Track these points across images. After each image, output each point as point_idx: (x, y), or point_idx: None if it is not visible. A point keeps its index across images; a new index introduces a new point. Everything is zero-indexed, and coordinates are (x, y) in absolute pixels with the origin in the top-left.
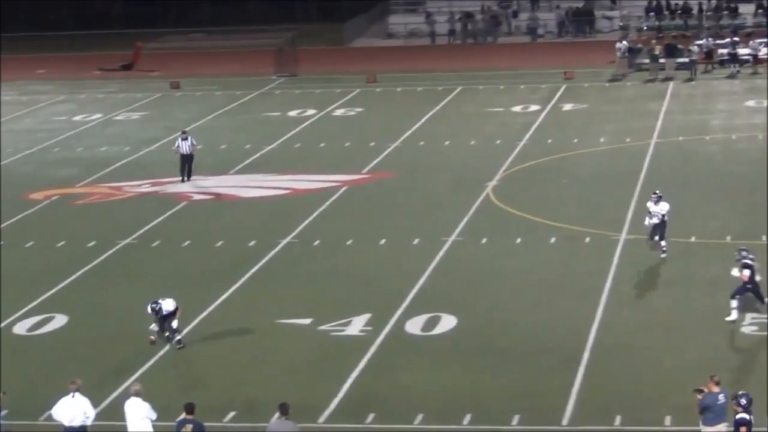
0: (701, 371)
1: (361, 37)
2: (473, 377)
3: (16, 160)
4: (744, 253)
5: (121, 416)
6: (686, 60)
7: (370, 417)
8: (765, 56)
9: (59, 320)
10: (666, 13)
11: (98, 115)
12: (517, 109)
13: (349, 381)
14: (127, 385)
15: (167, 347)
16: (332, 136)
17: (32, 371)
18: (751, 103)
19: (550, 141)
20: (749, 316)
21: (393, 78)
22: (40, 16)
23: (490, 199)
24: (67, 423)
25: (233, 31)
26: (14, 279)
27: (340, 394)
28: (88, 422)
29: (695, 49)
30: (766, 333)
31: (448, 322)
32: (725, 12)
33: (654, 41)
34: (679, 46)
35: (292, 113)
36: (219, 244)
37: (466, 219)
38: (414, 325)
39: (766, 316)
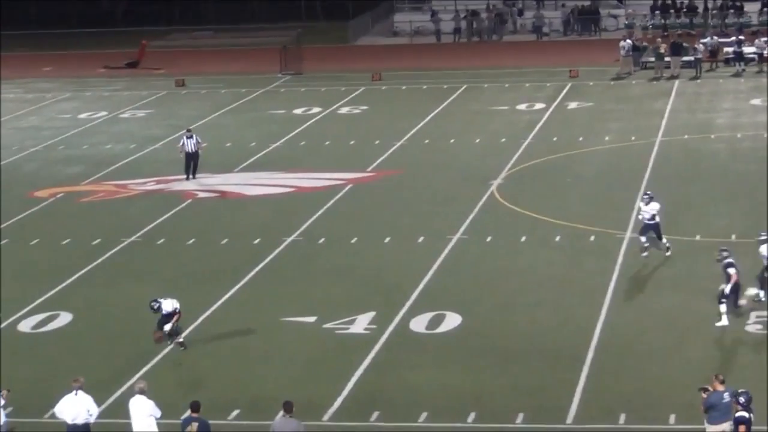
0: (706, 370)
1: (366, 35)
2: (477, 375)
3: (22, 157)
4: (725, 254)
5: (126, 414)
6: (691, 58)
7: (375, 415)
8: None
9: (64, 318)
10: (671, 11)
11: (103, 113)
12: (522, 107)
13: (354, 379)
14: (132, 383)
15: (172, 345)
16: (337, 134)
17: (36, 369)
18: (756, 101)
19: (555, 139)
20: (754, 315)
21: (398, 76)
22: (45, 13)
23: (495, 197)
24: (70, 421)
25: (238, 29)
26: (19, 276)
27: (345, 392)
28: (92, 420)
29: (700, 47)
30: None
31: (452, 321)
32: (731, 10)
33: (659, 40)
34: (685, 44)
35: (297, 111)
36: (224, 241)
37: (470, 217)
38: (418, 324)
39: None
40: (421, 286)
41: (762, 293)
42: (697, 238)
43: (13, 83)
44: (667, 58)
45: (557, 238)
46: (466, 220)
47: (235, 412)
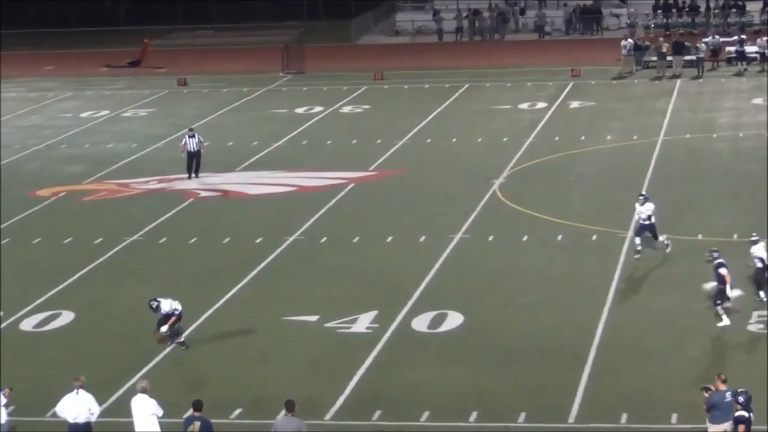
0: (708, 369)
1: (368, 34)
2: (479, 374)
3: (23, 156)
4: (716, 254)
5: (128, 413)
6: (693, 58)
7: (377, 414)
8: None
9: (66, 317)
10: (673, 10)
11: (105, 112)
12: (524, 106)
13: (356, 378)
14: (134, 382)
15: (173, 345)
16: (339, 133)
17: (39, 368)
18: (758, 101)
19: (557, 138)
20: (756, 314)
21: (400, 75)
22: (47, 12)
23: (497, 196)
24: (71, 419)
25: (240, 28)
26: (21, 276)
27: (347, 391)
28: (93, 418)
29: (703, 46)
30: None
31: (454, 320)
32: (733, 10)
33: (661, 39)
34: (687, 43)
35: (299, 110)
36: (226, 241)
37: (472, 216)
38: (420, 323)
39: None
40: (422, 286)
41: (762, 294)
42: (699, 237)
43: (15, 82)
44: (669, 58)
45: (559, 238)
46: (467, 220)
47: (237, 411)
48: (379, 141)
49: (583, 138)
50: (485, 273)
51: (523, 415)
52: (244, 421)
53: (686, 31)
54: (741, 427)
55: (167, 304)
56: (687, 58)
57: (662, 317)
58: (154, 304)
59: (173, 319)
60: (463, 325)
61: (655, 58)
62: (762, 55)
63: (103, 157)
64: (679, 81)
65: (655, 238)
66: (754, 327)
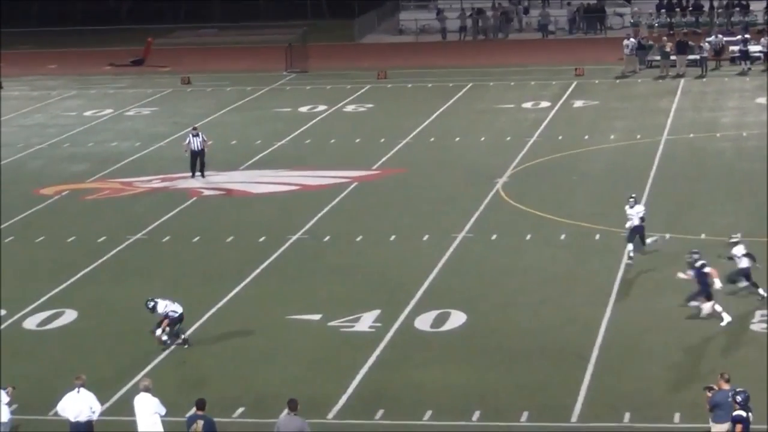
0: (711, 369)
1: (371, 33)
2: (482, 374)
3: (27, 155)
4: (696, 256)
5: (131, 411)
6: (697, 57)
7: (380, 413)
8: None
9: (69, 315)
10: (677, 10)
11: (109, 111)
12: (528, 105)
13: (359, 377)
14: (137, 381)
15: (174, 346)
16: (343, 132)
17: (42, 366)
18: (761, 100)
19: (560, 138)
20: (759, 314)
21: (403, 74)
22: (47, 11)
23: (500, 195)
24: (73, 418)
25: (244, 26)
26: (24, 274)
27: (350, 390)
28: (94, 417)
29: (706, 46)
30: None
31: (457, 319)
32: (736, 9)
33: (665, 38)
34: (690, 43)
35: (303, 109)
36: (229, 239)
37: (476, 215)
38: (423, 322)
39: None
40: (426, 285)
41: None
42: (702, 236)
43: (19, 81)
44: (672, 57)
45: (562, 237)
46: (471, 219)
47: (240, 410)
48: (382, 140)
49: (586, 137)
50: (488, 272)
51: (525, 415)
52: (247, 420)
53: (690, 31)
54: (738, 427)
55: (163, 306)
56: (690, 57)
57: (665, 317)
58: (151, 304)
59: (166, 321)
60: (465, 324)
61: (658, 58)
62: (765, 54)
63: (107, 156)
64: (682, 80)
65: (643, 243)
66: (757, 326)
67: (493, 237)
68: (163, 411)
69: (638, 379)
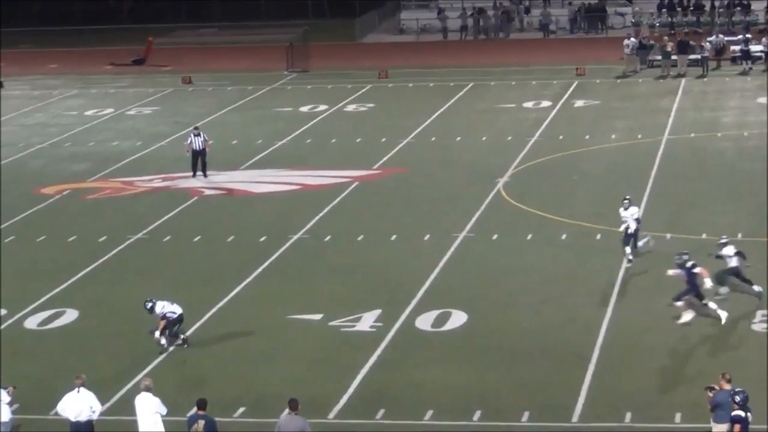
0: (711, 369)
1: (372, 32)
2: (483, 373)
3: (28, 154)
4: (685, 257)
5: (132, 411)
6: (698, 57)
7: (380, 413)
8: None
9: (70, 315)
10: (678, 9)
11: (110, 110)
12: (529, 105)
13: (360, 377)
14: (138, 380)
15: (174, 347)
16: (344, 131)
17: (42, 366)
18: (762, 100)
19: (561, 137)
20: (759, 314)
21: (404, 74)
22: (48, 11)
23: (501, 195)
24: (73, 418)
25: (245, 26)
26: (25, 273)
27: (350, 390)
28: (95, 416)
29: (707, 45)
30: None
31: (458, 319)
32: (737, 9)
33: (666, 38)
34: (692, 42)
35: (304, 109)
36: (230, 239)
37: (477, 215)
38: (424, 322)
39: None
40: (426, 284)
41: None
42: (703, 236)
43: (20, 80)
44: (673, 57)
45: (563, 237)
46: (472, 218)
47: (241, 410)
48: (383, 139)
49: (587, 137)
50: (489, 272)
51: (526, 414)
52: (248, 420)
53: (691, 30)
54: (737, 427)
55: (160, 306)
56: (692, 57)
57: (666, 317)
58: (149, 305)
59: (164, 323)
60: (466, 324)
61: (659, 57)
62: (767, 54)
63: (108, 155)
64: (683, 80)
65: (635, 245)
66: (758, 326)
67: (494, 237)
68: (164, 411)
69: (639, 379)
